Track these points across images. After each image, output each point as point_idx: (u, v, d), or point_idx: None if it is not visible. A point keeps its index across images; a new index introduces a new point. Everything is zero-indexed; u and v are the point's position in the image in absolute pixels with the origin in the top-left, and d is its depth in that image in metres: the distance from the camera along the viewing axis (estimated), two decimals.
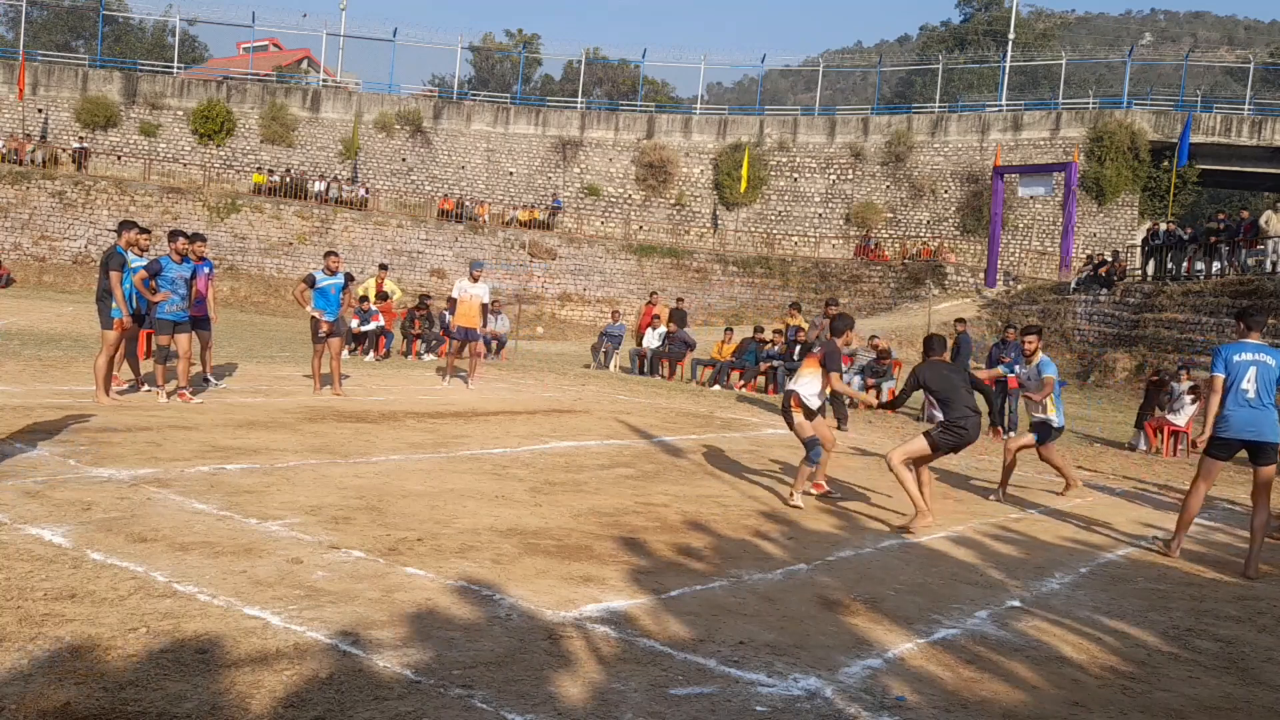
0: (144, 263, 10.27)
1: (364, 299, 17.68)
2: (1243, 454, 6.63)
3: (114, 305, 9.51)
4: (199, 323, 11.17)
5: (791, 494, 7.46)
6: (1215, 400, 6.42)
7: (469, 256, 35.43)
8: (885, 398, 13.41)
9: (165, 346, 10.15)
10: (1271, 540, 7.83)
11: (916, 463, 7.19)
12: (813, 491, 7.87)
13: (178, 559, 4.64)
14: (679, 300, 21.84)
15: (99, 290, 9.67)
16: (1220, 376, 6.39)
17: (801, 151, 42.82)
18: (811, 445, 7.45)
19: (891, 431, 12.99)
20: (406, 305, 21.73)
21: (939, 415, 7.11)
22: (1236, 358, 6.39)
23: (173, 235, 10.52)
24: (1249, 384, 6.30)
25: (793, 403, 7.53)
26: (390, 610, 4.17)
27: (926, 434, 7.14)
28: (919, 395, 7.90)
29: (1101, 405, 18.64)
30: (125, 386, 10.39)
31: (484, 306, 14.44)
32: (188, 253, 10.45)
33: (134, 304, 9.95)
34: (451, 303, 14.48)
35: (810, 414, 7.62)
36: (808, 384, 7.60)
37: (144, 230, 10.62)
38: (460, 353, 14.58)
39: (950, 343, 13.64)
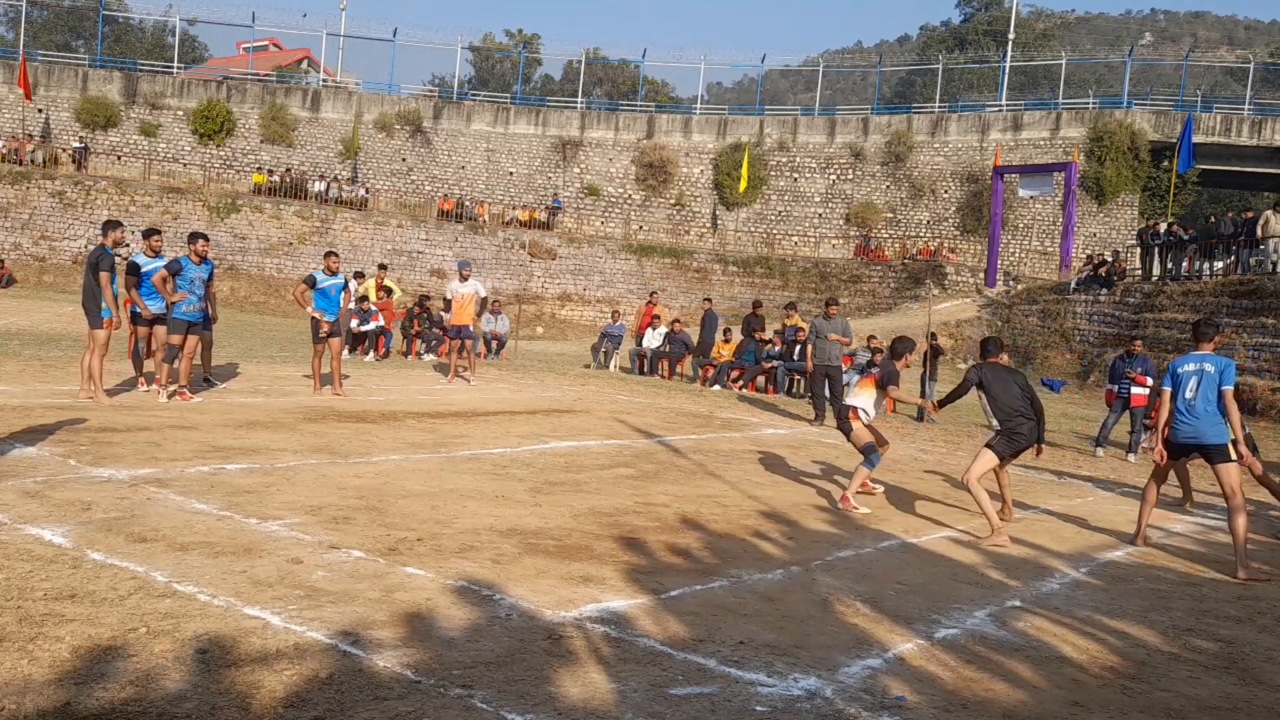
0: (163, 263, 10.30)
1: (364, 299, 17.70)
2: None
3: (104, 305, 9.49)
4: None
5: (844, 497, 7.62)
6: (1164, 411, 6.96)
7: (469, 257, 35.48)
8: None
9: (177, 346, 10.15)
10: (1267, 540, 7.84)
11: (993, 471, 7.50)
12: (861, 491, 8.03)
13: (178, 559, 4.64)
14: (756, 306, 19.52)
15: (86, 292, 9.60)
16: (1166, 390, 6.95)
17: (801, 151, 42.82)
18: (870, 451, 7.73)
19: (891, 432, 12.96)
20: (406, 305, 21.74)
21: (994, 423, 7.38)
22: (1181, 369, 6.90)
23: (193, 237, 10.63)
24: (1190, 392, 6.79)
25: (851, 415, 7.86)
26: (390, 610, 4.17)
27: (989, 445, 7.34)
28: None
29: (1103, 405, 18.61)
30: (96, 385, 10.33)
31: (483, 301, 14.65)
32: (205, 254, 10.53)
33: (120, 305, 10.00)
34: (447, 303, 14.70)
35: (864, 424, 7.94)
36: (866, 400, 7.93)
37: (156, 231, 10.65)
38: (460, 352, 14.67)
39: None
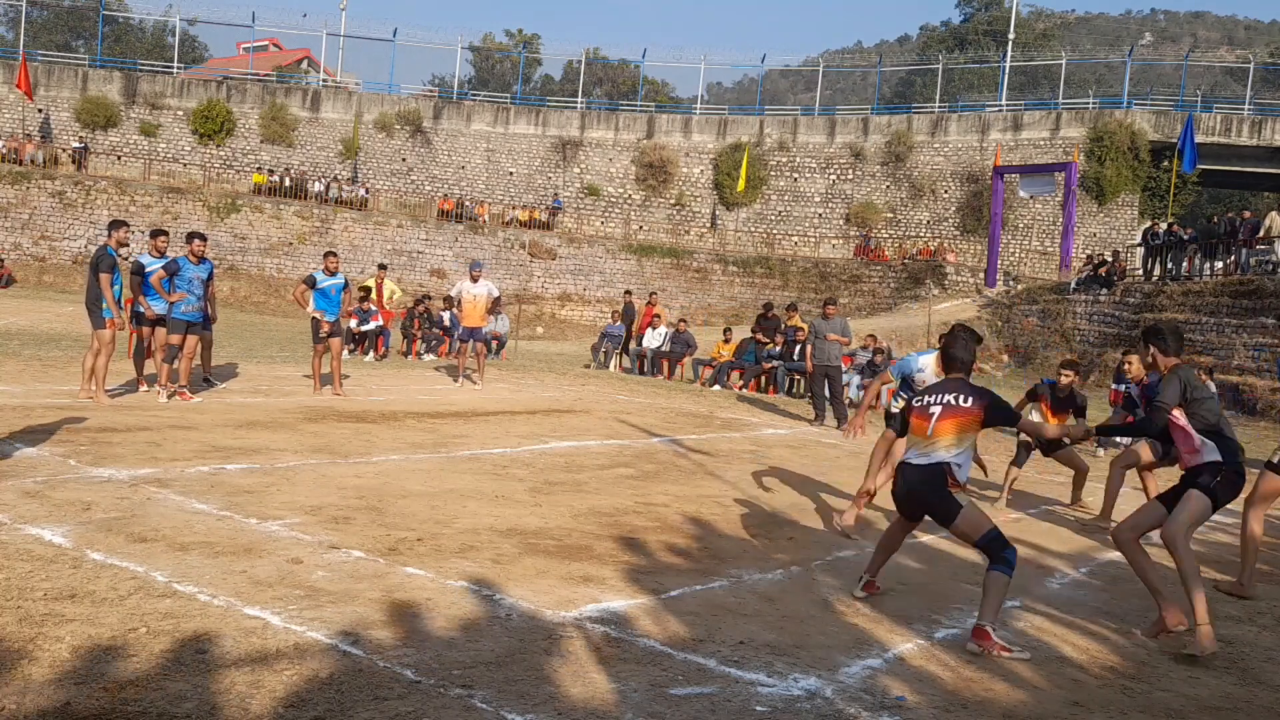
0: (163, 263, 10.32)
1: (364, 299, 17.71)
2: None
3: (105, 306, 9.50)
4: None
5: (989, 639, 4.32)
6: None
7: (469, 256, 35.45)
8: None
9: (176, 346, 10.16)
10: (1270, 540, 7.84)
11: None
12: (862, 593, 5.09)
13: (178, 559, 4.64)
14: (767, 308, 19.70)
15: (89, 293, 9.63)
16: None
17: (801, 151, 42.81)
18: (997, 544, 4.46)
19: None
20: (405, 305, 21.74)
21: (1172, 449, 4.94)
22: None
23: (190, 237, 10.65)
24: None
25: (950, 483, 4.58)
26: (390, 610, 4.17)
27: (1206, 489, 4.83)
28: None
29: (1104, 406, 18.60)
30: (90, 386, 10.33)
31: (495, 300, 14.66)
32: (203, 254, 10.54)
33: (123, 305, 10.00)
34: (451, 301, 14.69)
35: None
36: (960, 452, 4.64)
37: (162, 232, 10.66)
38: (466, 353, 14.66)
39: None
